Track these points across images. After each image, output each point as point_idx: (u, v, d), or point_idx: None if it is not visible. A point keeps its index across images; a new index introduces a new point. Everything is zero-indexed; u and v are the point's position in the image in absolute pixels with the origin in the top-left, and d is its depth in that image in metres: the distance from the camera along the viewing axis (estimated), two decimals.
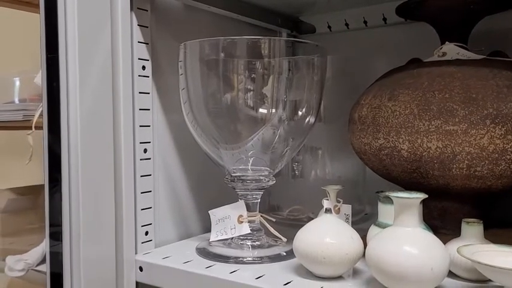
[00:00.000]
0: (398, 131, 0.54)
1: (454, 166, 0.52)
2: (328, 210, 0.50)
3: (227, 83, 0.57)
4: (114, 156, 0.56)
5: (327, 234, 0.48)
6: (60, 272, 0.54)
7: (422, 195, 0.44)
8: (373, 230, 0.53)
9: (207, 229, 0.70)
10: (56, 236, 0.54)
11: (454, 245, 0.48)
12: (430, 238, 0.44)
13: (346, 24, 0.84)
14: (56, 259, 0.54)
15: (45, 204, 0.55)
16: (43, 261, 1.07)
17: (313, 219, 0.73)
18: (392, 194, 0.45)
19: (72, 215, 0.52)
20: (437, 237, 0.53)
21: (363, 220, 0.77)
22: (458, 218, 0.53)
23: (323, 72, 0.63)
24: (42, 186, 0.53)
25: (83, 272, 0.53)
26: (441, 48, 0.61)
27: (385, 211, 0.52)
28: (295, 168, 0.75)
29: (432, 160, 0.52)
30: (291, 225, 0.73)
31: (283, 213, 0.75)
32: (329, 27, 0.86)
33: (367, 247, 0.45)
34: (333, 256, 0.47)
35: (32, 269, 1.05)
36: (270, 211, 0.77)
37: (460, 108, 0.51)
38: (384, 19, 0.80)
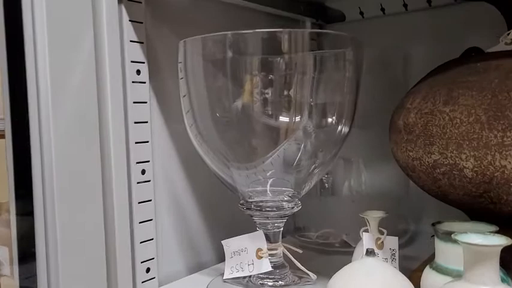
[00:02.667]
0: (459, 145, 0.42)
1: None
2: (371, 253, 0.39)
3: (237, 87, 0.46)
4: (103, 181, 0.46)
5: (371, 286, 0.37)
6: None
7: (505, 241, 0.32)
8: (429, 276, 0.40)
9: (222, 258, 0.59)
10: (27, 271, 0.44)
11: None
12: None
13: (382, 9, 0.71)
14: None
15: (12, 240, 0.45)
16: None
17: (347, 243, 0.63)
18: (463, 238, 0.33)
19: (49, 255, 0.42)
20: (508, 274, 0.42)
21: (409, 242, 0.66)
22: None
23: (358, 69, 0.51)
24: None
25: None
26: (509, 33, 0.48)
27: (444, 251, 0.40)
28: (324, 181, 0.64)
29: (508, 182, 0.40)
30: (321, 252, 0.62)
31: (311, 236, 0.64)
32: (361, 13, 0.74)
33: None
34: None
35: None
36: (295, 233, 0.66)
37: None
38: (428, 1, 0.67)
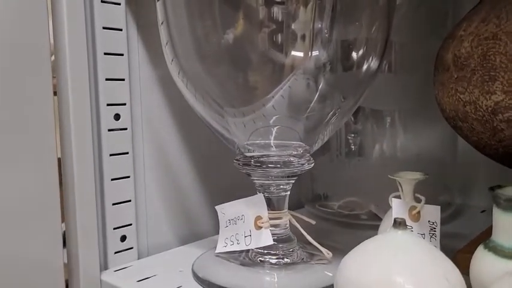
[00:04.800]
0: None
1: None
2: (400, 224, 0.27)
3: (228, 11, 0.35)
4: (61, 128, 0.37)
5: (398, 269, 0.26)
6: None
7: None
8: (485, 259, 0.29)
9: None
10: None
11: None
12: None
13: None
14: None
15: None
16: None
17: (376, 215, 0.51)
18: None
19: None
20: None
21: (453, 217, 0.54)
22: None
23: None
24: None
25: None
26: None
27: (507, 226, 0.28)
28: (350, 141, 0.52)
29: None
30: (345, 225, 0.52)
31: (333, 206, 0.53)
32: None
33: None
34: None
35: None
36: (314, 202, 0.55)
37: None
38: None
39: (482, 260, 0.29)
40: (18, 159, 0.34)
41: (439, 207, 0.35)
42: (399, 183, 0.36)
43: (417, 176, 0.35)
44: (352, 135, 0.52)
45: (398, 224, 0.28)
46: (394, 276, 0.25)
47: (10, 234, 0.34)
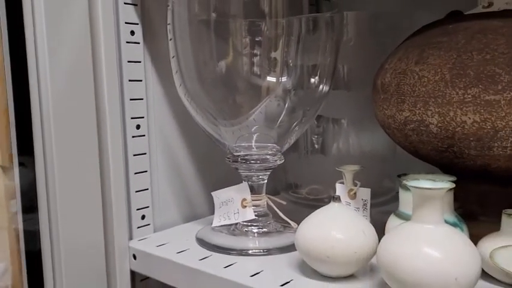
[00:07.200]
0: (426, 102, 0.44)
1: (496, 145, 0.42)
2: (336, 199, 0.42)
3: (221, 48, 0.49)
4: (98, 135, 0.50)
5: (333, 227, 0.40)
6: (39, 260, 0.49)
7: (447, 185, 0.35)
8: (392, 221, 0.44)
9: None
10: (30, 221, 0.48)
11: (490, 242, 0.39)
12: (457, 238, 0.35)
13: None
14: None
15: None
16: None
17: None
18: (411, 183, 0.36)
19: (50, 206, 0.47)
20: (475, 225, 0.45)
21: (394, 200, 0.69)
22: (500, 203, 0.44)
23: (340, 32, 0.54)
24: None
25: (63, 254, 0.48)
26: None
27: (406, 199, 0.43)
28: (314, 141, 0.67)
29: (468, 137, 0.42)
30: (310, 206, 0.66)
31: (301, 192, 0.68)
32: None
33: (379, 246, 0.37)
34: (339, 255, 0.40)
35: None
36: (288, 190, 0.69)
37: (505, 72, 0.40)
38: None
39: (391, 222, 0.44)
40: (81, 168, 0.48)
41: (369, 189, 0.49)
42: (343, 173, 0.50)
43: (355, 168, 0.50)
44: (316, 136, 0.67)
45: (335, 199, 0.42)
46: (329, 231, 0.40)
47: (71, 217, 0.48)
